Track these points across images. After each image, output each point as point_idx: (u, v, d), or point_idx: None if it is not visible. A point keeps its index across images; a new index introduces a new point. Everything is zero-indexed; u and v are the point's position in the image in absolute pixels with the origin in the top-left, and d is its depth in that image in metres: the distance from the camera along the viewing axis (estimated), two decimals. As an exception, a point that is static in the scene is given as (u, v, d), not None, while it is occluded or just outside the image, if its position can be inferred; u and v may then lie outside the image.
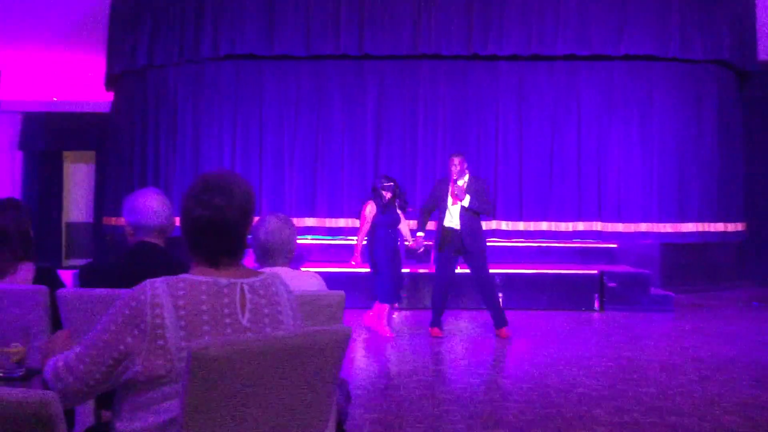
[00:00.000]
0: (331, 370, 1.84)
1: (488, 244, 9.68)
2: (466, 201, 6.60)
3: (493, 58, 10.23)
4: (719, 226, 10.50)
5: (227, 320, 1.73)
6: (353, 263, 7.27)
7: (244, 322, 1.76)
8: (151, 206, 2.70)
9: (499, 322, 6.76)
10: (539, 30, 10.00)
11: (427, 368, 5.53)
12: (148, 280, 1.71)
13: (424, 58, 10.23)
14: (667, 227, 10.23)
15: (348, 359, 5.73)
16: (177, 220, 2.32)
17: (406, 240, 7.39)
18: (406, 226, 7.35)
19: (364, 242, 7.19)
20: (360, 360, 5.80)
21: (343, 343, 1.85)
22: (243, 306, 1.77)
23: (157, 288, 1.69)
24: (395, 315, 8.03)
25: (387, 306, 6.95)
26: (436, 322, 6.84)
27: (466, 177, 6.76)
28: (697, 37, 10.14)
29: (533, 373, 5.41)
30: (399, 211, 7.10)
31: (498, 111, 10.39)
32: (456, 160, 6.69)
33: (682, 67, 10.35)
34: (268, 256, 2.83)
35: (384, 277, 6.81)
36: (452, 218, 6.72)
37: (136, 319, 1.67)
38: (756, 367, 5.62)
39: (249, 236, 2.14)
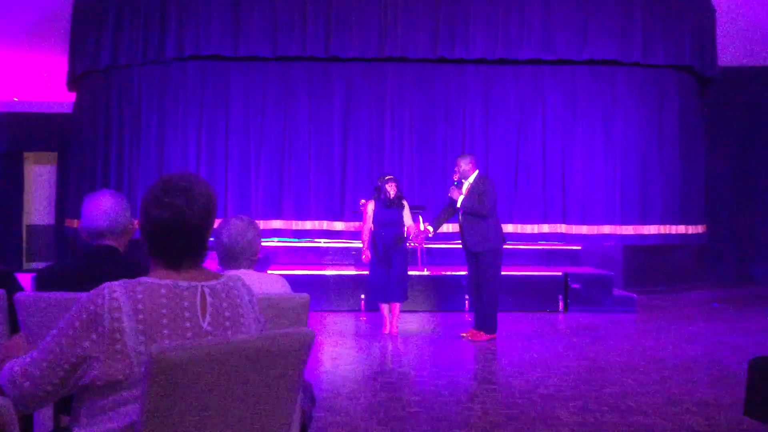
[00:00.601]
0: (294, 373, 1.83)
1: (454, 246, 9.77)
2: (459, 201, 6.70)
3: (459, 62, 10.30)
4: (680, 229, 10.72)
5: (187, 324, 1.71)
6: (364, 258, 7.18)
7: (205, 325, 1.74)
8: (101, 209, 2.66)
9: (479, 325, 6.77)
10: (505, 34, 10.10)
11: (393, 371, 5.54)
12: (106, 284, 1.68)
13: (391, 61, 10.26)
14: (629, 229, 10.41)
15: (313, 362, 5.71)
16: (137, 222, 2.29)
17: (408, 242, 7.13)
18: (410, 223, 7.03)
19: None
20: (326, 363, 5.78)
21: (307, 346, 1.84)
22: (204, 309, 1.75)
23: (115, 291, 1.66)
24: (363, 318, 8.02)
25: (380, 305, 7.06)
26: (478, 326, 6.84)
27: (472, 177, 6.80)
28: (659, 42, 10.33)
29: (498, 374, 5.45)
30: (407, 214, 7.00)
31: (464, 114, 10.46)
32: (458, 161, 6.89)
33: (644, 72, 10.55)
34: (231, 258, 2.81)
35: (369, 278, 7.07)
36: (459, 219, 6.85)
37: (94, 323, 1.64)
38: (716, 368, 5.73)
39: (211, 238, 2.12)
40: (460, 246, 9.85)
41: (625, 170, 10.51)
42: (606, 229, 10.44)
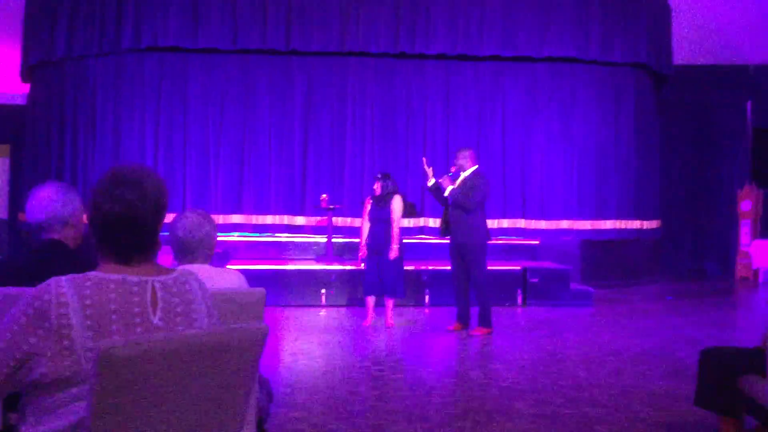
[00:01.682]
0: (248, 368, 1.81)
1: (416, 241, 9.83)
2: (447, 191, 6.76)
3: (420, 57, 10.33)
4: (636, 224, 10.93)
5: (137, 319, 1.68)
6: (361, 257, 7.25)
7: (156, 321, 1.71)
8: (40, 202, 2.61)
9: (461, 318, 6.90)
10: (465, 30, 10.15)
11: (354, 366, 5.54)
12: (53, 278, 1.64)
13: (352, 56, 10.24)
14: (586, 224, 10.57)
15: (272, 358, 5.68)
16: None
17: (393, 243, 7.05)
18: (396, 228, 7.01)
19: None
20: (285, 358, 5.75)
21: (260, 341, 1.82)
22: (154, 305, 1.72)
23: (62, 286, 1.62)
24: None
25: (366, 299, 7.18)
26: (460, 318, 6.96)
27: (469, 171, 6.89)
28: (617, 40, 10.50)
29: (457, 367, 5.49)
30: (394, 209, 7.01)
31: (426, 109, 10.50)
32: (457, 154, 7.03)
33: (602, 69, 10.71)
34: (187, 252, 2.77)
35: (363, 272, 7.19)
36: (448, 213, 6.90)
37: (41, 319, 1.60)
38: (669, 360, 5.86)
39: (166, 233, 2.08)
40: (420, 240, 9.93)
41: (583, 166, 10.67)
42: (564, 224, 10.59)
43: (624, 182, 10.85)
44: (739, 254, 12.14)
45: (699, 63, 12.62)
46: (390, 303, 7.17)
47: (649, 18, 10.85)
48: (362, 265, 7.28)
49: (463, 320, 6.97)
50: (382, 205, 7.04)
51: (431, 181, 6.97)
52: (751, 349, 3.61)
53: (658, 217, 11.55)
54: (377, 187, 7.07)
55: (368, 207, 7.16)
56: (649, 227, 11.24)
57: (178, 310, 1.76)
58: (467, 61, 10.47)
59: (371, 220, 7.09)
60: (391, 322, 7.16)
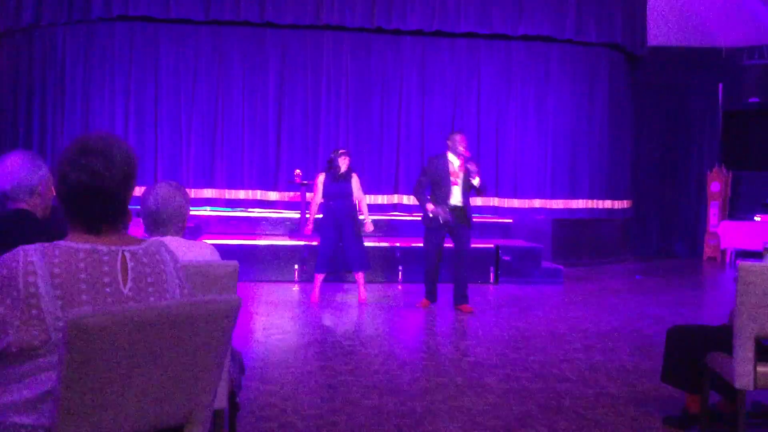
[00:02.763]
0: (219, 340, 1.80)
1: (390, 217, 9.86)
2: (477, 180, 6.69)
3: (396, 33, 10.27)
4: (607, 203, 11.06)
5: (107, 289, 1.66)
6: (306, 233, 7.26)
7: (126, 291, 1.69)
8: (5, 170, 2.56)
9: (460, 299, 6.86)
10: (442, 7, 10.10)
11: (326, 341, 5.55)
12: (20, 247, 1.61)
13: (327, 29, 10.14)
14: (559, 203, 10.67)
15: (245, 332, 5.67)
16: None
17: (362, 215, 7.12)
18: (365, 203, 7.15)
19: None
20: (258, 333, 5.75)
21: (233, 313, 1.81)
22: (125, 274, 1.70)
23: (30, 255, 1.59)
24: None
25: (316, 275, 7.08)
26: (431, 296, 6.96)
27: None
28: (592, 20, 10.53)
29: (429, 343, 5.53)
30: (356, 186, 7.00)
31: (401, 86, 10.46)
32: (464, 138, 6.88)
33: (576, 49, 10.74)
34: (158, 224, 2.73)
35: (317, 248, 7.08)
36: (455, 196, 6.73)
37: (8, 288, 1.58)
38: (636, 337, 5.97)
39: (138, 205, 2.04)
40: (394, 217, 9.93)
41: (557, 145, 10.73)
42: (537, 202, 10.68)
43: (596, 162, 10.95)
44: (708, 235, 12.35)
45: (672, 45, 12.71)
46: (361, 278, 7.16)
47: (624, -1, 10.89)
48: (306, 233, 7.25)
49: (434, 297, 7.00)
50: (343, 181, 6.97)
51: (477, 181, 6.76)
52: (717, 327, 3.68)
53: (629, 197, 11.68)
54: (345, 162, 6.98)
55: (320, 182, 7.04)
56: (620, 207, 11.38)
57: (149, 280, 1.74)
58: (443, 38, 10.43)
59: (331, 195, 6.95)
60: (364, 297, 7.17)
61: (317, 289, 7.11)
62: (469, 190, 6.79)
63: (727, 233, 11.73)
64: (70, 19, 9.77)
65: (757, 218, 11.59)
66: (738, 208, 12.44)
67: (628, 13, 11.00)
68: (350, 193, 6.98)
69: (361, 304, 7.07)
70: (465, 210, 6.77)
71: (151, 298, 1.73)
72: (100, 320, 1.51)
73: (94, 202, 1.69)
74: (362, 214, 7.16)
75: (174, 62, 9.98)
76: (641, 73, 12.09)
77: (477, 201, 10.52)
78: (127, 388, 1.61)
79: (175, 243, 2.68)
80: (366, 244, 8.51)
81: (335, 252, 7.02)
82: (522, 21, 10.28)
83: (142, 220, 2.81)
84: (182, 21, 9.81)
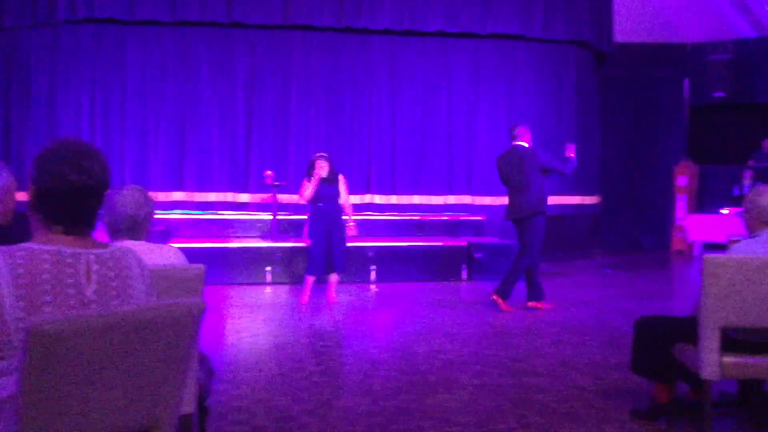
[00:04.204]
0: (184, 345, 1.79)
1: (363, 217, 9.85)
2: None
3: (366, 32, 10.26)
4: (576, 199, 11.17)
5: (70, 291, 1.65)
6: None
7: (89, 294, 1.68)
8: None
9: (532, 295, 6.96)
10: (411, 6, 10.12)
11: (299, 342, 5.53)
12: (-17, 249, 1.60)
13: (296, 29, 10.10)
14: (529, 200, 10.72)
15: (216, 335, 5.63)
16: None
17: (345, 216, 7.06)
18: (348, 203, 7.08)
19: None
20: (229, 336, 5.71)
21: (197, 317, 1.80)
22: (88, 278, 1.69)
23: (-8, 256, 1.58)
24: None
25: (307, 277, 7.06)
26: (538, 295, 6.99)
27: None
28: (559, 18, 10.63)
29: (402, 341, 5.54)
30: (342, 188, 6.98)
31: (371, 85, 10.46)
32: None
33: (544, 47, 10.84)
34: (118, 229, 2.70)
35: (309, 250, 7.09)
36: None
37: (-30, 290, 1.56)
38: (606, 330, 6.03)
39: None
40: (367, 217, 9.95)
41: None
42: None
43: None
44: (675, 228, 12.53)
45: (639, 41, 12.87)
46: (336, 279, 7.17)
47: (590, -4, 11.01)
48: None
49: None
50: (329, 185, 6.97)
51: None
52: (684, 318, 3.74)
53: (598, 192, 11.81)
54: (325, 166, 6.95)
55: (305, 187, 6.98)
56: (589, 202, 11.50)
57: (114, 284, 1.74)
58: (413, 37, 10.45)
59: (321, 197, 6.93)
60: (335, 297, 7.18)
61: (308, 291, 7.09)
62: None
63: (694, 226, 11.91)
64: (35, 22, 9.61)
65: (723, 211, 11.78)
66: (705, 202, 12.64)
67: (595, 11, 11.12)
68: (338, 195, 6.99)
69: (333, 304, 7.06)
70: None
71: (115, 302, 1.73)
72: (62, 327, 1.50)
73: (86, 201, 1.75)
74: (347, 215, 7.08)
75: (140, 64, 9.87)
76: (608, 69, 12.23)
77: (450, 199, 10.59)
78: (89, 394, 1.59)
79: (138, 247, 2.66)
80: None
81: (328, 254, 6.96)
82: (490, 20, 10.34)
83: (106, 224, 2.78)
84: (148, 22, 9.71)
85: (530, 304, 6.91)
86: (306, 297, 7.11)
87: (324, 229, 6.93)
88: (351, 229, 7.05)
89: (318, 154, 7.10)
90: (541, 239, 6.93)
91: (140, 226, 2.77)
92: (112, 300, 1.72)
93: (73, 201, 1.72)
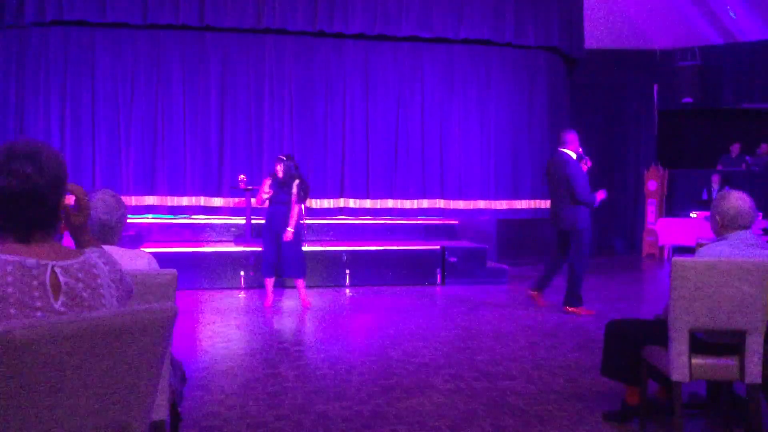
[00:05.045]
0: (155, 351, 1.77)
1: (336, 222, 9.86)
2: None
3: (339, 36, 10.26)
4: (548, 203, 11.23)
5: (38, 303, 1.61)
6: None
7: (58, 306, 1.64)
8: None
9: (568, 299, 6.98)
10: (384, 10, 10.14)
11: (272, 347, 5.50)
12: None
13: (269, 33, 10.07)
14: (503, 204, 10.83)
15: (189, 341, 5.58)
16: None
17: (288, 226, 6.96)
18: (295, 211, 6.99)
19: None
20: (203, 341, 5.66)
21: (168, 323, 1.78)
22: (56, 290, 1.65)
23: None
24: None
25: (266, 279, 7.19)
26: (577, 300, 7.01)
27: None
28: (530, 24, 10.73)
29: (377, 346, 5.54)
30: (293, 193, 6.96)
31: (345, 89, 10.45)
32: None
33: (516, 52, 10.94)
34: (94, 233, 2.66)
35: (261, 253, 7.19)
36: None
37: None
38: (578, 333, 6.09)
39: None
40: (341, 221, 9.94)
41: (499, 147, 10.90)
42: (481, 203, 10.82)
43: (537, 163, 11.15)
44: (646, 232, 12.70)
45: (609, 47, 13.05)
46: (301, 284, 7.20)
47: (561, 3, 11.14)
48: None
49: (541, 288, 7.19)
50: (284, 187, 7.00)
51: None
52: (654, 320, 3.79)
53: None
54: (280, 168, 6.99)
55: (265, 187, 7.04)
56: (561, 206, 11.59)
57: (84, 295, 1.69)
58: (386, 41, 10.48)
59: (272, 201, 7.03)
60: (308, 302, 7.19)
61: (270, 294, 7.22)
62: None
63: (664, 230, 12.09)
64: (2, 24, 9.46)
65: (692, 215, 11.97)
66: (674, 206, 12.85)
67: (566, 18, 11.25)
68: (289, 200, 6.99)
69: (306, 309, 7.05)
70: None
71: (85, 313, 1.69)
72: (28, 334, 1.47)
73: (24, 207, 1.64)
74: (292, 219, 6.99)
75: (111, 67, 9.75)
76: (579, 74, 12.38)
77: (423, 203, 10.62)
78: (59, 401, 1.56)
79: (110, 252, 2.63)
80: (313, 248, 8.52)
81: (277, 256, 7.07)
82: (463, 25, 10.41)
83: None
84: (119, 25, 9.60)
85: (537, 296, 7.25)
86: (269, 300, 7.19)
87: (272, 231, 7.01)
88: (286, 234, 6.92)
89: (279, 157, 7.15)
90: (584, 251, 6.91)
91: (112, 231, 2.74)
92: (82, 311, 1.69)
93: (8, 208, 1.64)
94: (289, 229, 6.96)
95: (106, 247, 2.65)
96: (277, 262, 7.07)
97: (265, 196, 7.07)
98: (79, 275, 1.69)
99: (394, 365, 4.91)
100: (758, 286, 3.17)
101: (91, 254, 1.78)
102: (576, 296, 6.92)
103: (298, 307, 7.15)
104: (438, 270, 8.96)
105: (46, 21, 9.39)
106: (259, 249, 8.36)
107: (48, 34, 9.62)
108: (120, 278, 1.82)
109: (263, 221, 7.24)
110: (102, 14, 9.39)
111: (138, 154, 9.82)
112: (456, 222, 10.38)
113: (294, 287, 7.77)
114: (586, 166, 7.05)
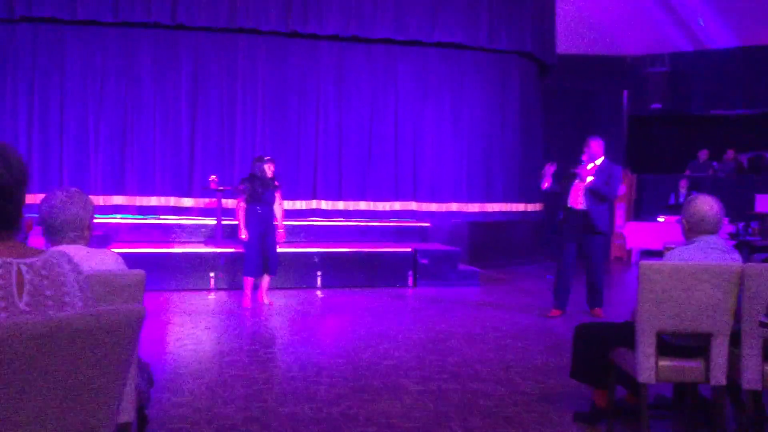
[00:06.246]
0: (122, 352, 1.74)
1: (308, 223, 9.83)
2: (587, 180, 6.83)
3: (313, 37, 10.23)
4: (520, 206, 11.36)
5: (2, 303, 1.58)
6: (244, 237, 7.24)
7: (22, 305, 1.61)
8: None
9: (594, 302, 7.04)
10: (358, 12, 10.14)
11: (242, 349, 5.46)
12: None
13: (242, 33, 10.00)
14: (475, 207, 10.89)
15: (157, 342, 5.51)
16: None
17: (276, 221, 7.26)
18: (279, 207, 7.30)
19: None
20: (171, 343, 5.60)
21: (136, 324, 1.76)
22: (20, 288, 1.62)
23: None
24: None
25: (246, 279, 7.21)
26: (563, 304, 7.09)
27: (599, 160, 6.91)
28: (503, 28, 10.81)
29: (347, 348, 5.53)
30: (278, 194, 7.21)
31: (318, 91, 10.43)
32: (590, 142, 6.99)
33: (489, 56, 11.01)
34: (55, 232, 2.62)
35: (245, 253, 7.21)
36: (576, 198, 6.93)
37: None
38: (548, 335, 6.15)
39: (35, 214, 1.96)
40: (313, 223, 9.90)
41: (472, 150, 10.96)
42: (454, 206, 10.86)
43: (509, 166, 11.24)
44: (614, 235, 12.86)
45: (580, 53, 13.21)
46: (268, 281, 7.31)
47: (534, 8, 11.24)
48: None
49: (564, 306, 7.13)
50: (269, 188, 7.07)
51: (590, 178, 6.90)
52: (621, 323, 3.83)
53: (541, 200, 12.04)
54: (271, 168, 7.10)
55: (248, 187, 7.09)
56: (532, 209, 11.71)
57: (48, 293, 1.67)
58: (360, 43, 10.47)
59: (260, 201, 7.08)
60: (269, 299, 7.29)
61: (249, 294, 7.22)
62: (597, 195, 6.87)
63: (632, 234, 12.25)
64: (-33, 20, 9.27)
65: (660, 219, 12.16)
66: (642, 210, 13.04)
67: (538, 23, 11.36)
68: (274, 200, 7.18)
69: (267, 306, 7.13)
70: (592, 213, 6.88)
71: (50, 312, 1.66)
72: (-10, 335, 1.44)
73: None
74: (278, 220, 7.31)
75: (80, 65, 9.60)
76: (551, 79, 12.50)
77: (396, 205, 10.64)
78: (22, 405, 1.53)
79: (75, 251, 2.58)
80: (285, 250, 8.50)
81: (263, 256, 7.14)
82: (436, 28, 10.46)
83: (42, 228, 2.69)
84: (89, 22, 9.46)
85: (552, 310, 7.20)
86: (248, 300, 7.18)
87: (259, 232, 7.07)
88: (281, 235, 7.27)
89: (266, 157, 7.23)
90: (599, 256, 7.03)
91: (79, 231, 2.69)
92: (47, 311, 1.66)
93: None
94: (280, 229, 7.22)
95: (73, 247, 2.62)
96: (264, 261, 7.14)
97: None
98: (43, 272, 1.66)
99: (365, 367, 4.90)
100: (724, 289, 3.23)
101: (53, 254, 1.75)
102: (596, 299, 7.10)
103: (268, 308, 7.10)
104: (410, 272, 8.97)
105: (14, 17, 9.22)
106: (231, 250, 8.33)
107: (16, 31, 9.44)
108: (84, 286, 1.79)
109: (235, 222, 7.25)
110: (72, 11, 9.24)
111: (107, 153, 9.69)
112: (428, 224, 10.41)
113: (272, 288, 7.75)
114: (552, 167, 7.21)
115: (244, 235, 7.12)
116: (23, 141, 9.38)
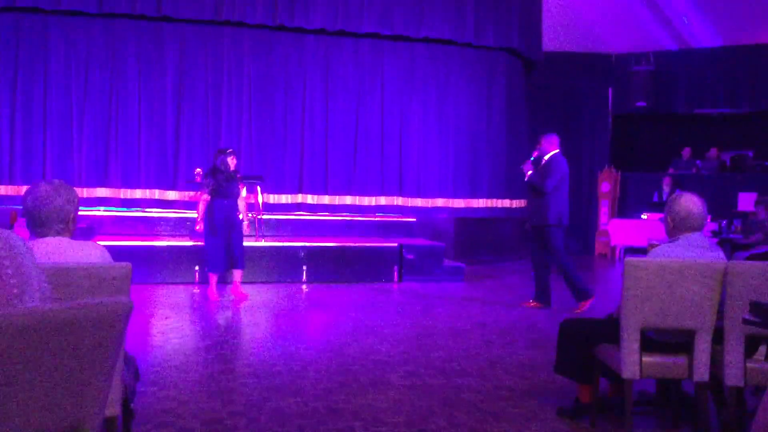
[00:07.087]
0: (109, 346, 1.73)
1: (293, 217, 9.79)
2: (527, 175, 7.07)
3: (299, 31, 10.20)
4: (505, 203, 11.40)
5: None
6: (198, 228, 7.20)
7: None
8: None
9: (574, 294, 7.05)
10: (345, 7, 10.12)
11: (228, 342, 5.44)
12: None
13: (228, 25, 9.95)
14: (460, 203, 10.92)
15: (142, 336, 5.48)
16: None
17: (240, 214, 7.27)
18: (242, 201, 7.32)
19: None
20: (156, 336, 5.57)
21: (123, 317, 1.74)
22: None
23: None
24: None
25: (211, 275, 7.21)
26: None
27: (548, 155, 7.07)
28: (490, 25, 10.83)
29: (333, 342, 5.52)
30: (242, 186, 7.21)
31: (305, 85, 10.40)
32: (540, 139, 7.17)
33: (475, 53, 11.03)
34: (39, 224, 2.59)
35: (208, 248, 7.14)
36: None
37: None
38: (533, 331, 6.18)
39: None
40: (298, 217, 9.88)
41: (458, 146, 10.98)
42: (439, 201, 10.88)
43: (495, 162, 11.27)
44: (599, 232, 12.95)
45: (566, 50, 13.25)
46: (240, 275, 7.26)
47: (520, 5, 11.27)
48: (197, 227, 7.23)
49: (541, 299, 7.24)
50: (233, 181, 7.04)
51: (530, 172, 7.15)
52: (606, 319, 3.86)
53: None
54: (234, 161, 7.08)
55: (211, 181, 7.02)
56: (518, 206, 11.75)
57: (9, 272, 1.63)
58: (347, 38, 10.45)
59: (226, 194, 7.00)
60: (245, 294, 7.26)
61: (215, 288, 7.22)
62: (532, 188, 7.11)
63: (616, 231, 12.34)
64: (-51, 8, 9.15)
65: (643, 216, 12.25)
66: (626, 207, 13.12)
67: (524, 20, 11.38)
68: (239, 193, 7.15)
69: (243, 300, 7.13)
70: (529, 207, 7.25)
71: (13, 281, 1.62)
72: (-24, 327, 1.42)
73: None
74: (241, 213, 7.31)
75: (64, 56, 9.51)
76: (536, 76, 12.54)
77: (381, 200, 10.64)
78: (6, 398, 1.52)
79: (61, 244, 2.56)
80: (270, 244, 8.49)
81: (228, 250, 7.09)
82: (423, 24, 10.45)
83: (26, 220, 2.66)
84: (74, 13, 9.37)
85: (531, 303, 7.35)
86: (214, 293, 7.20)
87: (223, 226, 7.02)
88: (248, 226, 7.37)
89: (229, 150, 7.19)
90: (554, 248, 7.11)
91: (64, 223, 2.66)
92: (10, 280, 1.62)
93: None
94: (247, 221, 7.22)
95: (57, 240, 2.59)
96: (228, 256, 7.09)
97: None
98: (2, 253, 1.63)
99: (351, 361, 4.90)
100: (708, 286, 3.26)
101: (11, 233, 1.71)
102: (580, 292, 7.16)
103: (253, 303, 7.08)
104: (395, 267, 8.98)
105: (-2, 6, 9.12)
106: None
107: (-1, 20, 9.34)
108: (43, 276, 1.75)
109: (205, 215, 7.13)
110: (56, 1, 9.15)
111: (90, 145, 9.61)
112: (414, 219, 10.42)
113: (250, 283, 7.73)
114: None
115: (199, 227, 7.07)
116: (5, 132, 9.28)
